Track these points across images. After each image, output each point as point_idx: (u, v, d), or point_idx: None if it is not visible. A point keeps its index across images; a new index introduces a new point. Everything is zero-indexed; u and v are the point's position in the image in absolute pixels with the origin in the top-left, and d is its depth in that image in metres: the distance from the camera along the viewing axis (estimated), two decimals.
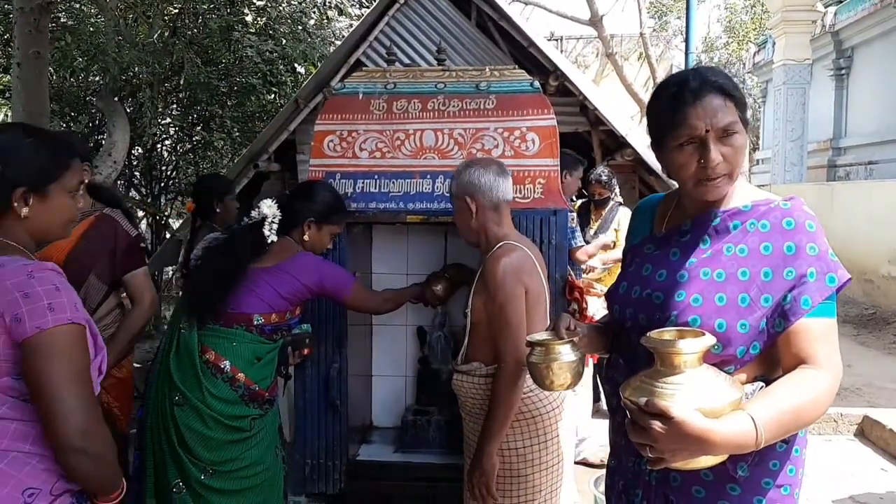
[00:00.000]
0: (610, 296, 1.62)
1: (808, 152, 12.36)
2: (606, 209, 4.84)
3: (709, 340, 1.23)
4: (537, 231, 2.60)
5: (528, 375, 2.04)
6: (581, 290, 2.69)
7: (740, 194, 1.46)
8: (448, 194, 2.69)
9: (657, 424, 1.15)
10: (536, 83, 2.81)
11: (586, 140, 5.52)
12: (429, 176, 2.73)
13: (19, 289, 1.43)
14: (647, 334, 1.27)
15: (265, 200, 2.46)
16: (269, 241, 2.42)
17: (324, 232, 2.52)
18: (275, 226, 2.43)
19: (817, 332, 1.31)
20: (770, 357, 1.36)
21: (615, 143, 5.41)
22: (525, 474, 2.21)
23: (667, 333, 1.28)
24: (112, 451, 1.54)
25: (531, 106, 2.74)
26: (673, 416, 1.13)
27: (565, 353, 1.49)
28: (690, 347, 1.20)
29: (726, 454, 1.21)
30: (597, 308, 3.69)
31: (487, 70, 2.87)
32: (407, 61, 4.84)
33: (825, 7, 12.67)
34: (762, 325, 1.34)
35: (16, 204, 1.51)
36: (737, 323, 1.35)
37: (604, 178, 4.79)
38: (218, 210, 3.82)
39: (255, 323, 2.37)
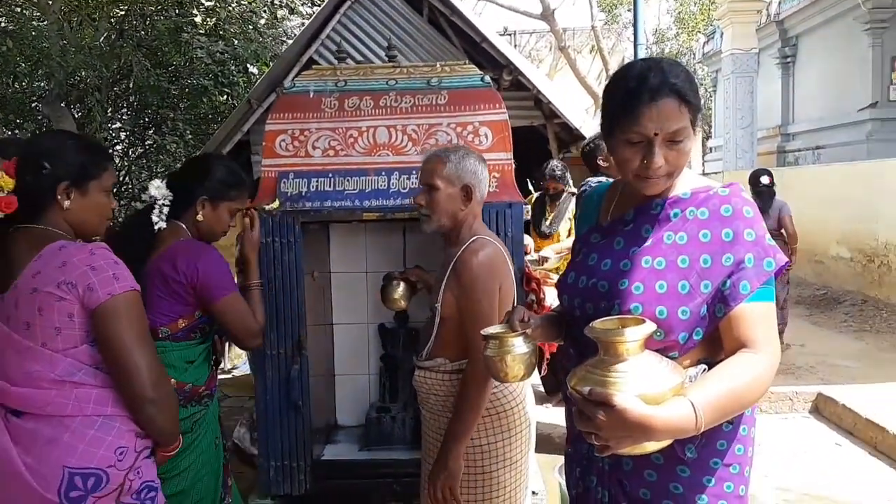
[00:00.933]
0: (559, 286, 1.64)
1: (758, 139, 12.66)
2: (560, 200, 4.92)
3: (649, 328, 1.26)
4: (493, 224, 2.62)
5: None
6: (538, 281, 2.72)
7: (681, 182, 1.48)
8: (403, 190, 2.70)
9: (601, 413, 1.17)
10: (487, 78, 2.83)
11: (542, 134, 5.57)
12: (384, 173, 2.72)
13: (86, 263, 1.64)
14: (590, 324, 1.29)
15: (153, 181, 2.26)
16: (158, 227, 2.20)
17: (221, 210, 2.30)
18: (165, 209, 2.22)
19: (756, 316, 1.34)
20: (713, 341, 1.39)
21: (570, 135, 5.47)
22: (490, 471, 2.17)
23: (609, 322, 1.31)
24: (176, 402, 1.82)
25: (483, 100, 2.76)
26: (614, 404, 1.16)
27: (518, 346, 1.51)
28: (631, 336, 1.22)
29: (669, 439, 1.23)
30: (554, 298, 3.73)
31: (438, 66, 2.87)
32: (360, 58, 4.82)
33: None
34: (703, 311, 1.37)
35: (59, 196, 1.71)
36: (677, 310, 1.37)
37: (557, 172, 4.86)
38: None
39: (162, 336, 2.16)
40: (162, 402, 1.69)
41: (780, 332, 5.58)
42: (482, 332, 1.60)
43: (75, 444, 1.63)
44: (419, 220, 2.24)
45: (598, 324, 1.30)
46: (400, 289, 2.66)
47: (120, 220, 7.94)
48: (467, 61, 2.97)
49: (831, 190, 8.74)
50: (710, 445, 1.41)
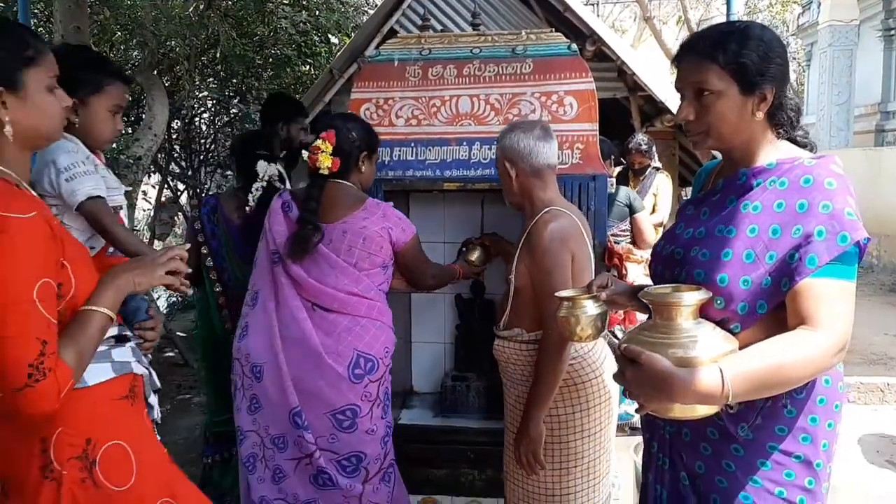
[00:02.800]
0: (651, 255, 1.68)
1: (854, 117, 11.98)
2: (645, 175, 4.78)
3: (697, 295, 1.28)
4: (576, 197, 2.58)
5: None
6: (620, 257, 2.68)
7: (771, 152, 1.45)
8: (483, 161, 2.70)
9: (629, 369, 1.24)
10: (574, 46, 2.76)
11: (624, 107, 5.43)
12: (465, 143, 2.71)
13: (395, 216, 2.38)
14: (645, 289, 1.35)
15: (259, 163, 2.75)
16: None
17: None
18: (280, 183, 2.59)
19: (821, 293, 1.28)
20: (781, 319, 1.34)
21: (654, 108, 5.31)
22: (567, 441, 2.21)
23: (665, 289, 1.35)
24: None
25: (569, 69, 2.70)
26: (642, 361, 1.21)
27: (588, 308, 1.59)
28: (678, 300, 1.27)
29: (695, 403, 1.23)
30: (637, 274, 3.67)
31: (524, 34, 2.82)
32: (441, 28, 4.79)
33: None
34: (766, 283, 1.33)
35: (361, 163, 2.43)
36: (739, 278, 1.35)
37: (643, 146, 4.70)
38: None
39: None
40: (437, 281, 2.58)
41: None
42: (556, 293, 1.70)
43: (363, 335, 2.28)
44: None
45: (653, 289, 1.35)
46: (476, 252, 2.69)
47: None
48: (552, 30, 2.90)
49: None
50: (767, 428, 1.39)
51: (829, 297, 1.28)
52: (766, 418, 1.37)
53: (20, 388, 1.25)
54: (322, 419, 2.27)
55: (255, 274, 2.42)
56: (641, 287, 1.66)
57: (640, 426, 1.74)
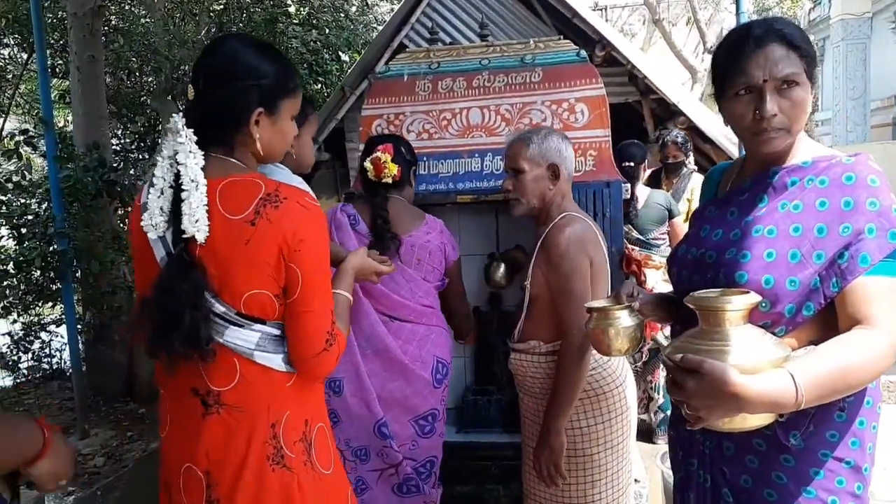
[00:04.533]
0: (670, 260, 1.61)
1: (870, 110, 11.84)
2: (679, 177, 4.61)
3: (750, 298, 1.21)
4: (590, 204, 2.56)
5: (593, 351, 2.04)
6: (638, 263, 2.65)
7: (802, 150, 1.41)
8: (496, 172, 2.68)
9: (690, 380, 1.13)
10: (583, 52, 2.75)
11: (637, 110, 5.40)
12: (477, 154, 2.70)
13: (447, 233, 2.45)
14: (690, 294, 1.26)
15: None
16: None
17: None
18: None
19: (876, 292, 1.24)
20: (826, 322, 1.30)
21: (667, 111, 5.28)
22: (590, 453, 2.16)
23: (711, 293, 1.27)
24: None
25: (578, 76, 2.69)
26: (704, 371, 1.12)
27: (623, 319, 1.49)
28: (730, 304, 1.18)
29: (764, 412, 1.16)
30: (656, 280, 3.61)
31: (532, 42, 2.82)
32: (450, 40, 4.81)
33: None
34: (814, 283, 1.28)
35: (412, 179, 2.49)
36: (785, 279, 1.30)
37: (679, 139, 4.50)
38: None
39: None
40: (468, 306, 2.62)
41: None
42: (586, 304, 1.60)
43: (438, 342, 2.41)
44: (509, 204, 2.25)
45: (699, 293, 1.26)
46: (501, 269, 2.68)
47: None
48: (560, 37, 2.89)
49: None
50: (819, 435, 1.33)
51: (883, 296, 1.24)
52: (819, 425, 1.32)
53: (319, 352, 1.44)
54: (405, 427, 2.36)
55: None
56: (664, 296, 1.62)
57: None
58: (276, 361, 1.44)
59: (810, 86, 1.36)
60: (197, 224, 1.35)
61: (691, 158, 4.55)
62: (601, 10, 16.60)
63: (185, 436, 1.45)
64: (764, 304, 1.29)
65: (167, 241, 1.40)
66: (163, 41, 6.50)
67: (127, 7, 7.42)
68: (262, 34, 7.25)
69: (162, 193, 1.41)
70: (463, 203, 2.74)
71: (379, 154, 2.37)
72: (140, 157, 7.48)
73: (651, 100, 5.25)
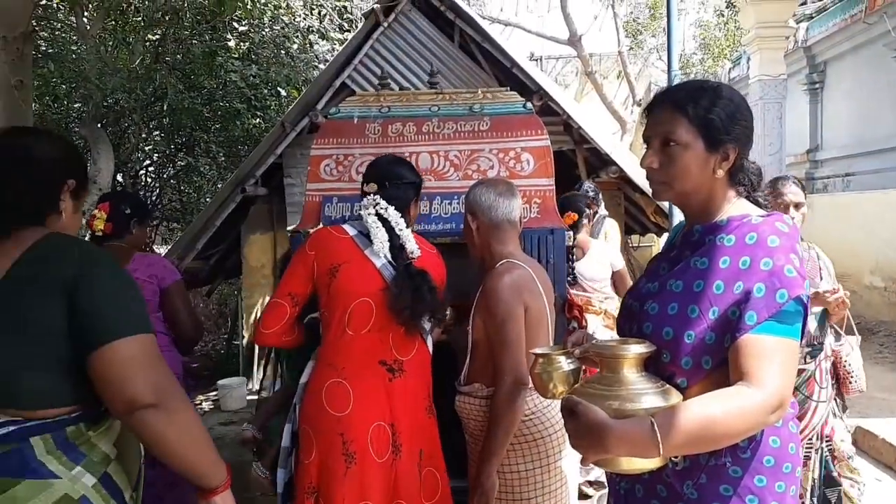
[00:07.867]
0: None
1: (786, 165, 12.53)
2: (594, 222, 4.88)
3: (638, 348, 1.31)
4: (535, 251, 2.61)
5: (527, 395, 2.12)
6: (580, 308, 2.70)
7: (726, 210, 1.47)
8: (444, 216, 2.72)
9: (569, 420, 1.27)
10: (529, 105, 2.84)
11: (571, 159, 5.57)
12: (426, 198, 2.72)
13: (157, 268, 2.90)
14: (593, 342, 1.38)
15: None
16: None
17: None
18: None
19: (759, 349, 1.28)
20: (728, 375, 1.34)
21: (599, 160, 5.46)
22: (527, 497, 2.18)
23: (611, 342, 1.39)
24: None
25: (525, 127, 2.77)
26: (578, 412, 1.24)
27: (562, 363, 1.58)
28: (619, 352, 1.30)
29: (627, 454, 1.25)
30: (596, 325, 3.70)
31: (480, 92, 2.89)
32: (393, 85, 4.87)
33: (797, 23, 12.93)
34: (709, 338, 1.34)
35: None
36: (683, 333, 1.35)
37: (591, 193, 4.82)
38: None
39: None
40: None
41: None
42: (532, 350, 1.68)
43: None
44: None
45: (600, 342, 1.39)
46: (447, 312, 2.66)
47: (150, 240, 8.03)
48: (508, 88, 2.98)
49: (864, 218, 8.62)
50: (711, 487, 1.37)
51: (766, 354, 1.27)
52: (711, 477, 1.36)
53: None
54: None
55: None
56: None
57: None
58: (429, 340, 2.28)
59: (706, 147, 1.41)
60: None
61: (602, 206, 4.85)
62: (537, 60, 17.13)
63: (375, 400, 2.11)
64: (665, 356, 1.37)
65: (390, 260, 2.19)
66: (94, 69, 6.32)
67: (57, 32, 7.21)
68: (200, 67, 7.16)
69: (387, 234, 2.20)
70: None
71: (95, 212, 2.88)
72: None
73: (585, 149, 5.43)
